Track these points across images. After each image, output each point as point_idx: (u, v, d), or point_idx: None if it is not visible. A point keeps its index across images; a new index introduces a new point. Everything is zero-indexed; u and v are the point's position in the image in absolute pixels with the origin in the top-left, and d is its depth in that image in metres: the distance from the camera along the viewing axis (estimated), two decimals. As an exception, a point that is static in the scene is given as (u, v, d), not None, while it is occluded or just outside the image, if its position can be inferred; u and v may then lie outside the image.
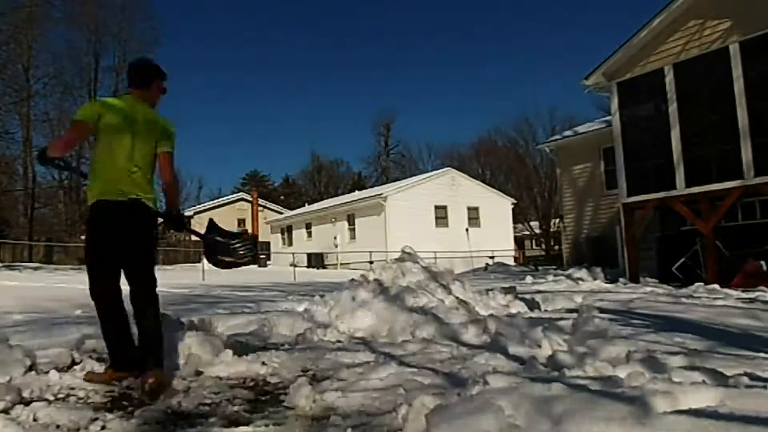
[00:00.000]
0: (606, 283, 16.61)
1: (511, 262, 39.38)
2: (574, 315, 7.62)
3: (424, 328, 6.89)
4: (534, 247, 67.86)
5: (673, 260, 18.15)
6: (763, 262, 15.64)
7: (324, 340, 6.90)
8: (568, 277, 18.56)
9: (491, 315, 7.70)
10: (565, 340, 5.86)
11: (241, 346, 6.12)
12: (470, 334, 6.68)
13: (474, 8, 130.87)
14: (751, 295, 11.76)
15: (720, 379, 3.81)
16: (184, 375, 5.04)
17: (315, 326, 7.35)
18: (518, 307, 9.04)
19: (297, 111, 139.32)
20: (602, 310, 8.00)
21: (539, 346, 5.80)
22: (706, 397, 3.20)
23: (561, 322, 6.94)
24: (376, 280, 8.64)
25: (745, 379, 3.77)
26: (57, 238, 46.57)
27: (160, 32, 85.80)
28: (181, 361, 5.33)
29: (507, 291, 9.87)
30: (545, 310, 9.55)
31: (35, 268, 31.39)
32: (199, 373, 5.15)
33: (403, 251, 9.67)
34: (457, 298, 8.45)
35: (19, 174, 46.50)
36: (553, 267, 21.81)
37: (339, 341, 6.87)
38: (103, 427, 3.64)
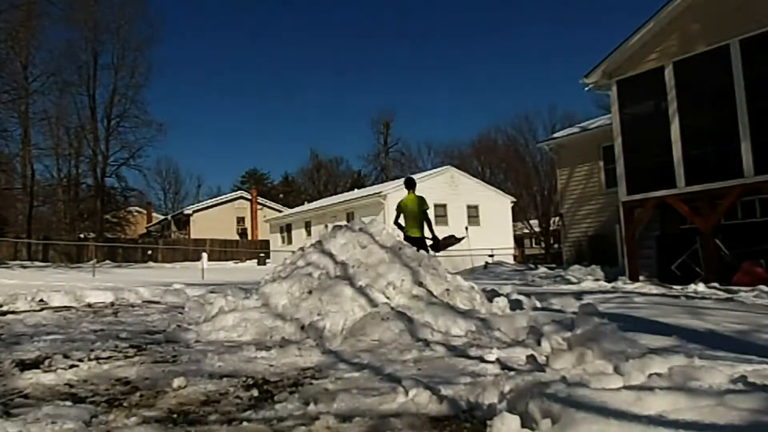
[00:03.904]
0: (606, 281, 16.50)
1: (510, 260, 39.23)
2: (563, 315, 7.56)
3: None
4: (534, 245, 67.73)
5: (672, 259, 18.05)
6: (763, 261, 15.56)
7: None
8: (566, 276, 18.50)
9: (493, 314, 7.59)
10: (564, 339, 5.79)
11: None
12: (461, 331, 6.60)
13: (473, 6, 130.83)
14: (751, 294, 11.67)
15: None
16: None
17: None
18: (514, 306, 8.87)
19: (296, 109, 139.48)
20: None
21: (539, 344, 5.77)
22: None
23: (554, 325, 6.87)
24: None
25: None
26: (56, 236, 46.58)
27: (159, 30, 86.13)
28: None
29: (496, 294, 9.70)
30: (553, 306, 9.41)
31: (24, 267, 31.40)
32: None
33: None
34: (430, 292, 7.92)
35: (18, 172, 46.51)
36: (553, 265, 21.71)
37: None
38: None
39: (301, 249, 9.01)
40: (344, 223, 9.55)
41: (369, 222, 9.23)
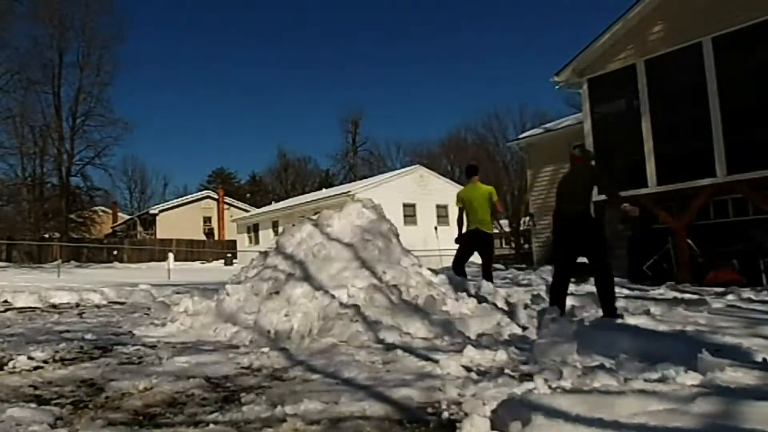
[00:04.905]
0: (575, 283, 16.38)
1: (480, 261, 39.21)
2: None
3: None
4: (504, 245, 67.91)
5: (644, 259, 17.99)
6: (735, 262, 15.55)
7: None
8: (533, 277, 18.45)
9: (462, 314, 7.44)
10: (533, 340, 5.74)
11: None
12: (429, 332, 6.51)
13: (443, 4, 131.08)
14: (722, 295, 11.63)
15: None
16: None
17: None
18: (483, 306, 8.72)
19: (264, 107, 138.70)
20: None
21: (508, 346, 5.75)
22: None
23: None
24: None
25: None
26: (20, 236, 46.09)
27: (125, 28, 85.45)
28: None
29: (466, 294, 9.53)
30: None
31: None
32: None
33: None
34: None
35: (-20, 171, 46.14)
36: (523, 266, 21.64)
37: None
38: None
39: (266, 251, 8.89)
40: (311, 217, 9.32)
41: (332, 216, 8.97)
